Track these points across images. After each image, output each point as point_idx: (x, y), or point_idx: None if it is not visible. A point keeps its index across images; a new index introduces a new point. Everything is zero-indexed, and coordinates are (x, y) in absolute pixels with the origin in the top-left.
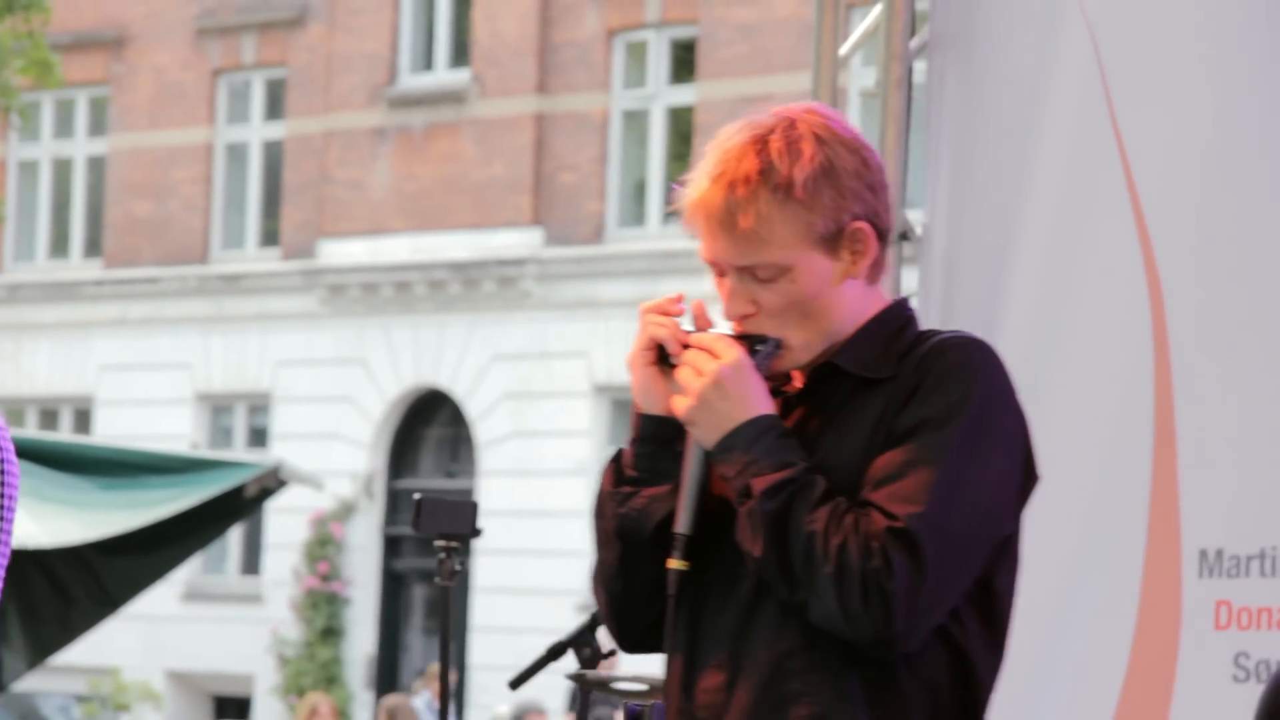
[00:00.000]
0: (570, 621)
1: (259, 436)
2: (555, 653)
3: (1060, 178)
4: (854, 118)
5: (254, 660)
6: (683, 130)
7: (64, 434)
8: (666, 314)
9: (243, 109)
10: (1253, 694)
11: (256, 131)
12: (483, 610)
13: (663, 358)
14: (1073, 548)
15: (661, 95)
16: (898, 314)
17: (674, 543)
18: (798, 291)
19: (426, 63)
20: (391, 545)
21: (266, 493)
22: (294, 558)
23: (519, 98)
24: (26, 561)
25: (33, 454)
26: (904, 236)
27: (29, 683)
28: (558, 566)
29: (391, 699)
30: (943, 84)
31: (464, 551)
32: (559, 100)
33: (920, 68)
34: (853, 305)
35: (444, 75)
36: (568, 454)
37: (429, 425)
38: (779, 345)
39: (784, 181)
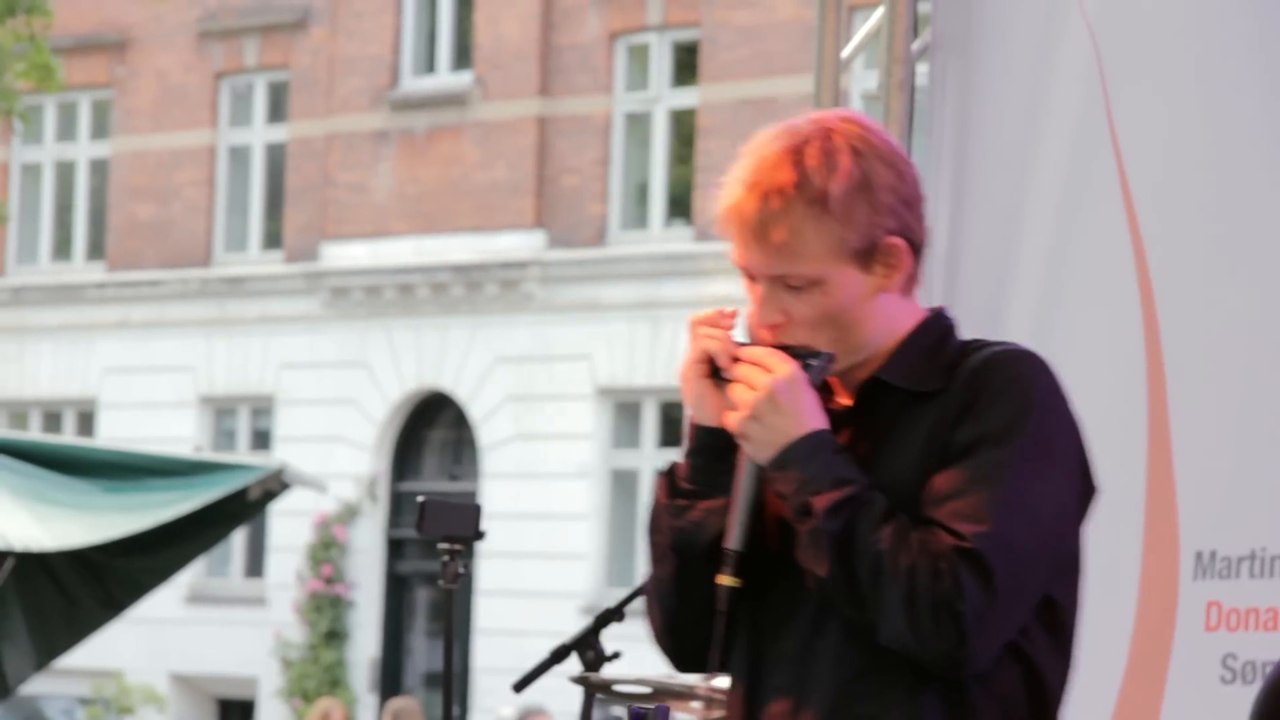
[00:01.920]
0: (574, 624)
1: (262, 439)
2: (559, 655)
3: (1059, 181)
4: None
5: (258, 663)
6: (685, 133)
7: (67, 436)
8: (717, 327)
9: (245, 112)
10: (1239, 695)
11: (259, 134)
12: (486, 613)
13: (715, 371)
14: None
15: (663, 98)
16: (937, 324)
17: (725, 558)
18: (829, 303)
19: (429, 65)
20: (395, 548)
21: (270, 495)
22: (298, 560)
23: (521, 100)
24: (31, 564)
25: (36, 457)
26: None
27: (34, 685)
28: (561, 569)
29: (397, 702)
30: (945, 87)
31: (467, 554)
32: (561, 103)
33: (922, 70)
34: (886, 318)
35: (446, 78)
36: (570, 456)
37: (432, 428)
38: (832, 359)
39: (819, 195)
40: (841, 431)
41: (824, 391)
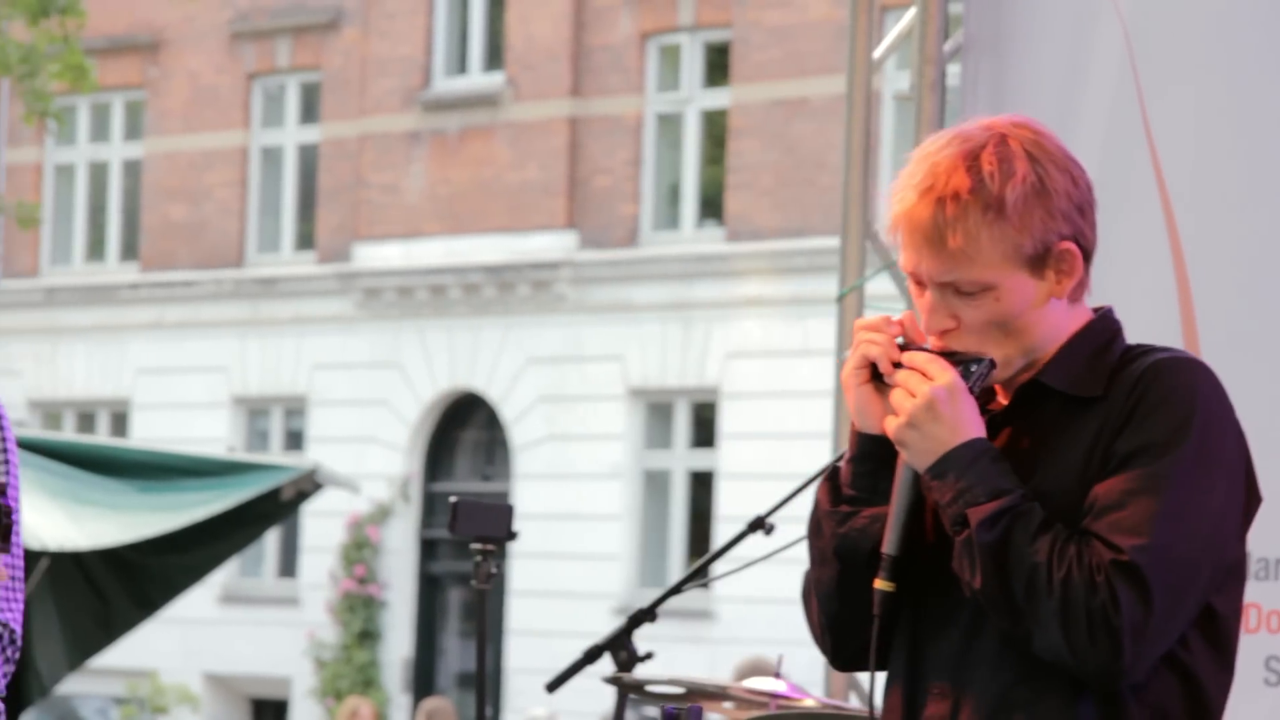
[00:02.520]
0: (606, 625)
1: (295, 440)
2: (592, 656)
3: (1094, 181)
4: (888, 121)
5: (291, 663)
6: (716, 133)
7: (101, 437)
8: (880, 332)
9: (277, 112)
10: None
11: (291, 135)
12: (519, 613)
13: (878, 376)
14: None
15: (695, 98)
16: (1103, 328)
17: (881, 563)
18: (1000, 310)
19: (460, 66)
20: (428, 548)
21: (303, 496)
22: (330, 561)
23: (553, 101)
24: (66, 564)
25: (71, 457)
26: None
27: (68, 685)
28: (593, 570)
29: (430, 702)
30: (977, 86)
31: (500, 555)
32: (593, 103)
33: (954, 70)
34: (1055, 324)
35: (478, 79)
36: (602, 457)
37: (464, 428)
38: (993, 365)
39: (995, 201)
40: (999, 433)
41: (986, 395)
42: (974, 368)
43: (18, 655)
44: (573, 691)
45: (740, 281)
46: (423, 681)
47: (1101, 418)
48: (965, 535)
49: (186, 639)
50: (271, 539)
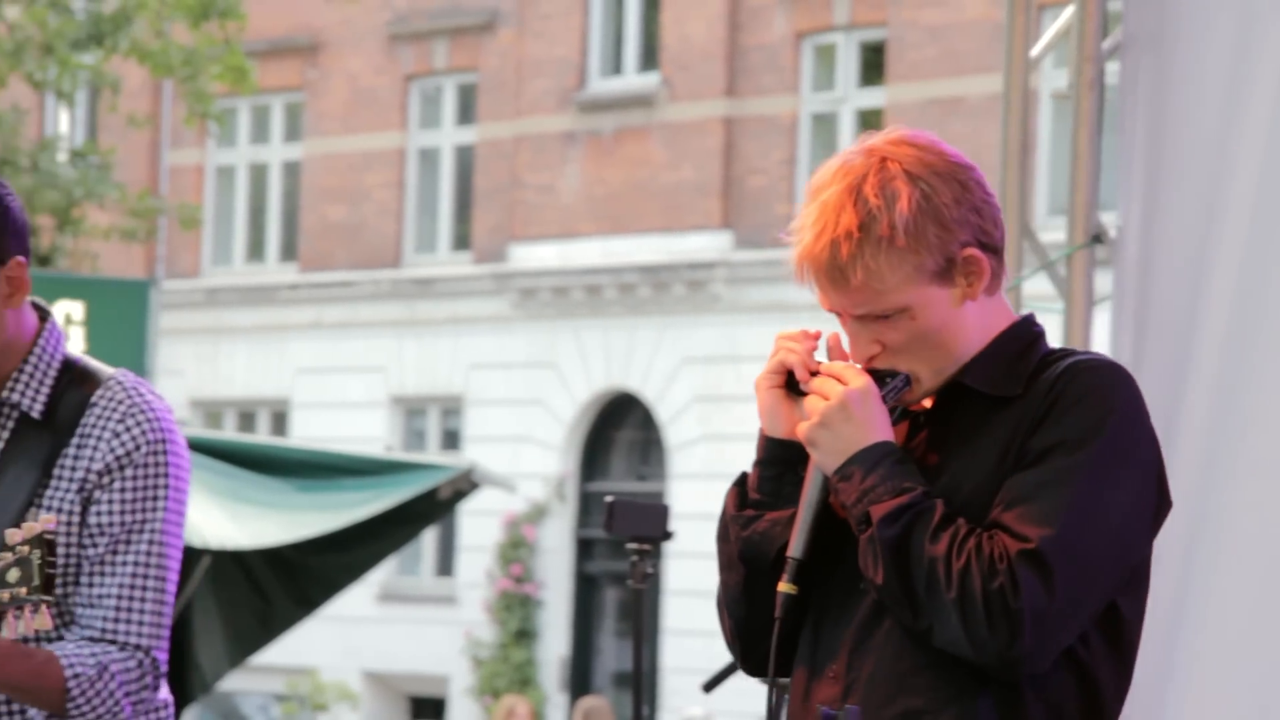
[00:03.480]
0: None
1: (452, 439)
2: None
3: (1257, 179)
4: (1045, 120)
5: (449, 661)
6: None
7: (262, 436)
8: (799, 342)
9: (434, 114)
10: None
11: (448, 136)
12: (675, 613)
13: (791, 384)
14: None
15: (850, 98)
16: (1024, 331)
17: (785, 566)
18: (919, 327)
19: (616, 67)
20: (584, 548)
21: (460, 495)
22: (487, 560)
23: (708, 101)
24: (227, 562)
25: (231, 456)
26: (1097, 239)
27: (230, 682)
28: None
29: (586, 701)
30: (1136, 85)
31: (656, 554)
32: (748, 103)
33: (1113, 69)
34: (976, 324)
35: (633, 79)
36: None
37: (620, 428)
38: (908, 381)
39: (886, 232)
40: (919, 433)
41: (905, 410)
42: (889, 379)
43: (158, 684)
44: (729, 692)
45: None
46: (579, 680)
47: (1018, 416)
48: (869, 533)
49: (346, 637)
50: (429, 538)
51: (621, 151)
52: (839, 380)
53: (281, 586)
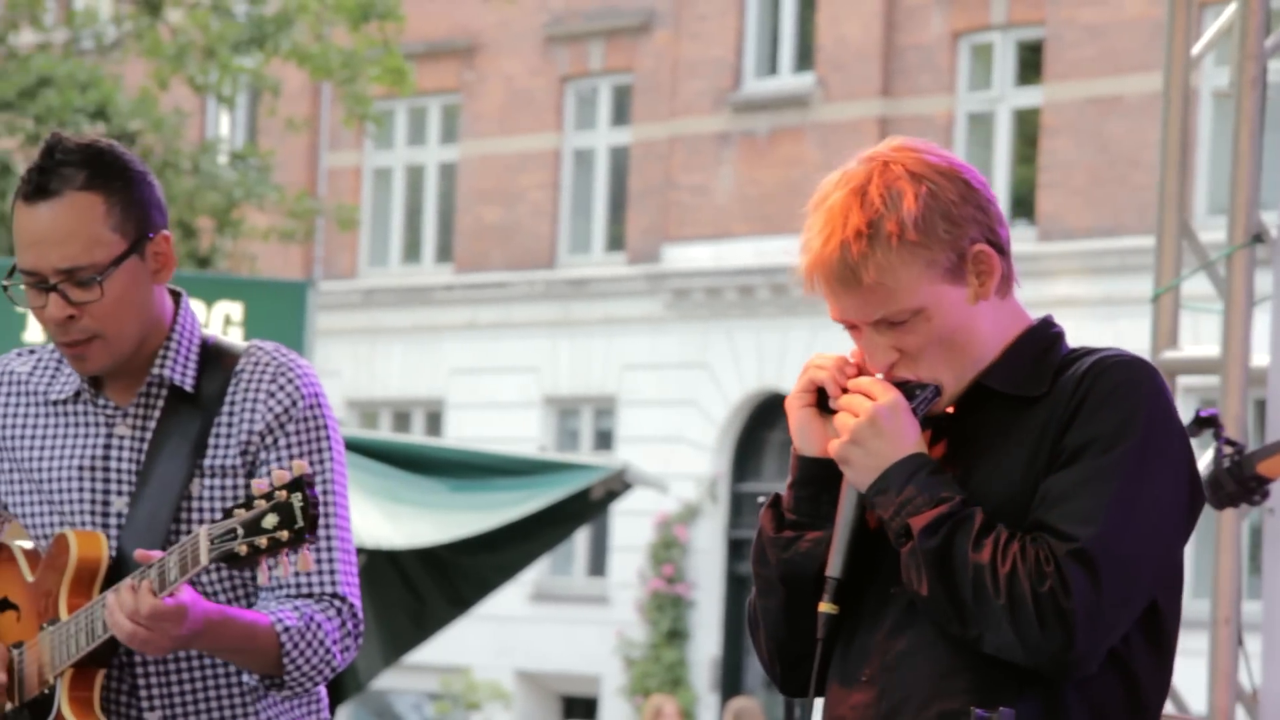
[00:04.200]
0: None
1: (605, 439)
2: None
3: None
4: (1206, 118)
5: (601, 661)
6: (1029, 133)
7: (416, 436)
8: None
9: (590, 115)
10: None
11: (603, 137)
12: None
13: (822, 402)
14: None
15: (1007, 97)
16: (1044, 331)
17: (825, 586)
18: (936, 328)
19: (771, 67)
20: (736, 548)
21: (612, 495)
22: (639, 560)
23: (863, 101)
24: (382, 562)
25: (386, 456)
26: (1258, 239)
27: (384, 681)
28: None
29: (737, 702)
30: None
31: None
32: (903, 103)
33: (1275, 66)
34: (994, 326)
35: (788, 79)
36: None
37: (772, 429)
38: (938, 391)
39: (895, 228)
40: (943, 438)
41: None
42: (919, 391)
43: (359, 631)
44: None
45: (1052, 281)
46: (730, 681)
47: (1046, 414)
48: (909, 546)
49: (499, 636)
50: (581, 538)
51: (776, 152)
52: (868, 396)
53: (435, 586)
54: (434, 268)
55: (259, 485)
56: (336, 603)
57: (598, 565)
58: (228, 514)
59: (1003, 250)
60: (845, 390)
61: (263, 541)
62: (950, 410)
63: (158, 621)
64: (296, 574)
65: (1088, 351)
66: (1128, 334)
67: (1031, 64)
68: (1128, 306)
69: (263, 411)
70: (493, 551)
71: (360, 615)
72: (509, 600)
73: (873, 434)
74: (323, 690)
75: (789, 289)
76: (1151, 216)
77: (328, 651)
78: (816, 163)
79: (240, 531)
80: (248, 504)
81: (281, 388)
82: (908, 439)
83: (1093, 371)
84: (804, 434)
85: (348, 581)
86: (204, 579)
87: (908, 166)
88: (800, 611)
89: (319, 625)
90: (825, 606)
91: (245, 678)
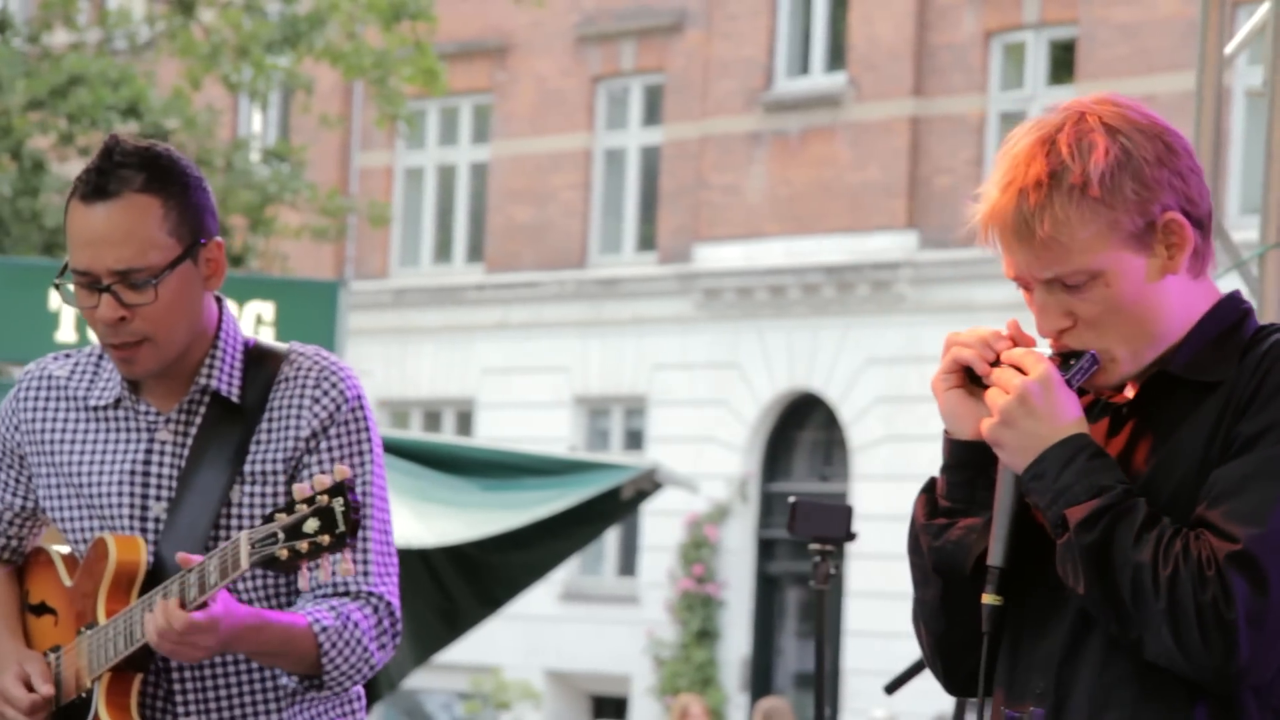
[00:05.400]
0: None
1: (635, 439)
2: None
3: None
4: (1238, 117)
5: (631, 661)
6: None
7: (447, 435)
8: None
9: (621, 115)
10: None
11: (634, 137)
12: (857, 614)
13: (973, 379)
14: None
15: (1040, 97)
16: (1231, 309)
17: (987, 576)
18: (1114, 297)
19: (803, 67)
20: (765, 548)
21: (642, 495)
22: (669, 560)
23: (895, 101)
24: (412, 560)
25: (417, 455)
26: None
27: (414, 680)
28: None
29: (767, 702)
30: None
31: (838, 555)
32: (935, 103)
33: None
34: (1178, 305)
35: (820, 79)
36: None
37: (802, 429)
38: (1095, 360)
39: (1078, 180)
40: (1124, 426)
41: (1113, 392)
42: (1074, 361)
43: (397, 630)
44: (912, 693)
45: None
46: (760, 681)
47: (1224, 399)
48: (1065, 538)
49: (529, 636)
50: (611, 537)
51: (807, 152)
52: (1019, 369)
53: (466, 585)
54: (465, 267)
55: (301, 489)
56: (373, 600)
57: (628, 565)
58: (268, 518)
59: (1201, 225)
60: (997, 364)
61: (303, 546)
62: (1130, 395)
63: (189, 636)
64: (333, 572)
65: (1273, 329)
66: None
67: (1064, 63)
68: None
69: (308, 418)
70: (522, 550)
71: (398, 614)
72: (539, 600)
73: (1024, 413)
74: (359, 690)
75: (820, 289)
76: None
77: (365, 650)
78: (848, 162)
79: (281, 536)
80: (289, 508)
81: (326, 393)
82: (1063, 416)
83: (1272, 352)
84: (954, 416)
85: (384, 580)
86: (241, 584)
87: (1105, 119)
88: (959, 602)
89: (355, 624)
90: (989, 598)
91: (284, 680)
